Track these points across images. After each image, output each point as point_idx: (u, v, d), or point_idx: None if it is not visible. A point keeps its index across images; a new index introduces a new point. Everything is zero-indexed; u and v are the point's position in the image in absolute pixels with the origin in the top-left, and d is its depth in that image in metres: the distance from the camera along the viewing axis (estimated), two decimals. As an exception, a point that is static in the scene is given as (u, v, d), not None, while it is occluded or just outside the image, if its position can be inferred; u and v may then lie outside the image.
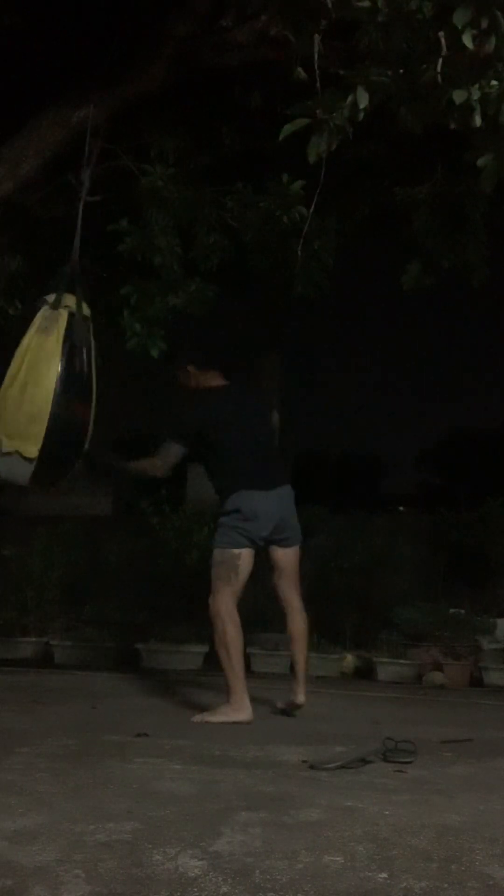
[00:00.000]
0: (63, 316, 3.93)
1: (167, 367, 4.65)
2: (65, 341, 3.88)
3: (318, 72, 3.05)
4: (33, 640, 6.85)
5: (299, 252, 4.63)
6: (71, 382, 3.88)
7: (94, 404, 4.01)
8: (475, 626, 6.72)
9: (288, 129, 2.97)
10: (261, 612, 6.98)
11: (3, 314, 5.33)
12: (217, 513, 4.33)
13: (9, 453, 3.84)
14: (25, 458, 3.83)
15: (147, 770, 2.88)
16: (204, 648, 6.56)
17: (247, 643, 6.70)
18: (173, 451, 4.20)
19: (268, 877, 1.86)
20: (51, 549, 7.19)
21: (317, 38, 3.07)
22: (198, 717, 4.02)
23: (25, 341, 3.90)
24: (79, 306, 3.99)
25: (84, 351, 3.95)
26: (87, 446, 4.02)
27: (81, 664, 6.39)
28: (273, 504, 4.24)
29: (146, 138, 5.11)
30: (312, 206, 4.25)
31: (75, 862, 1.91)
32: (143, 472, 4.39)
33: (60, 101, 4.56)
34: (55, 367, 3.86)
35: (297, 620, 4.38)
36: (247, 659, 6.65)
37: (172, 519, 7.14)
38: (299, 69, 3.21)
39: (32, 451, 3.83)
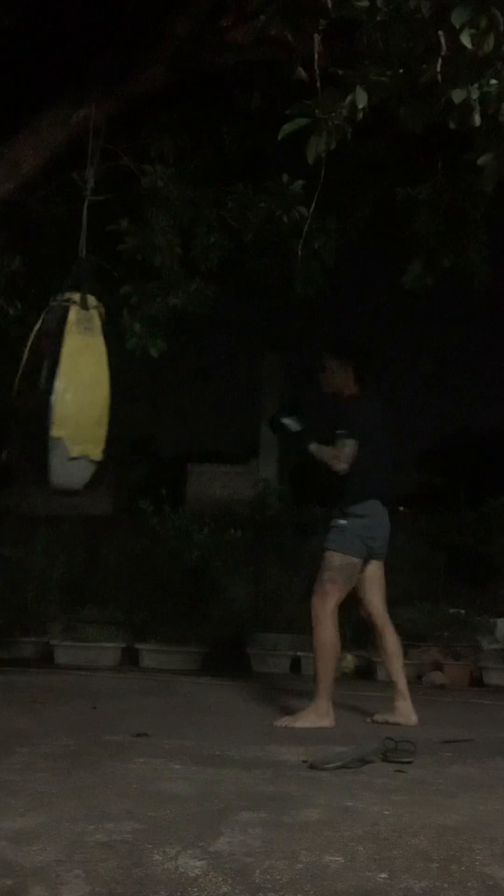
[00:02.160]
0: (96, 315, 3.91)
1: (324, 352, 4.43)
2: (101, 334, 3.87)
3: (317, 72, 3.05)
4: (33, 640, 6.85)
5: (299, 252, 4.63)
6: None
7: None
8: (475, 626, 6.72)
9: (287, 128, 2.97)
10: (261, 612, 6.99)
11: (4, 314, 5.33)
12: (336, 514, 4.23)
13: (76, 458, 3.78)
14: (92, 462, 3.79)
15: (147, 770, 2.88)
16: (204, 648, 6.56)
17: (246, 643, 6.74)
18: (349, 446, 4.12)
19: (268, 877, 1.86)
20: (51, 549, 7.19)
21: (316, 37, 3.07)
22: (282, 722, 3.97)
23: (69, 342, 3.83)
24: (97, 304, 3.95)
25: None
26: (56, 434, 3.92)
27: (81, 664, 6.39)
28: (387, 519, 4.32)
29: (146, 138, 5.11)
30: (312, 206, 4.25)
31: (75, 862, 1.91)
32: (323, 459, 4.20)
33: (60, 101, 4.56)
34: (106, 368, 3.85)
35: (393, 635, 4.37)
36: (246, 659, 6.68)
37: (172, 519, 7.14)
38: (299, 69, 3.21)
39: (98, 453, 3.79)
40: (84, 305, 3.87)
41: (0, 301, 5.30)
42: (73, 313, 3.85)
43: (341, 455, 4.11)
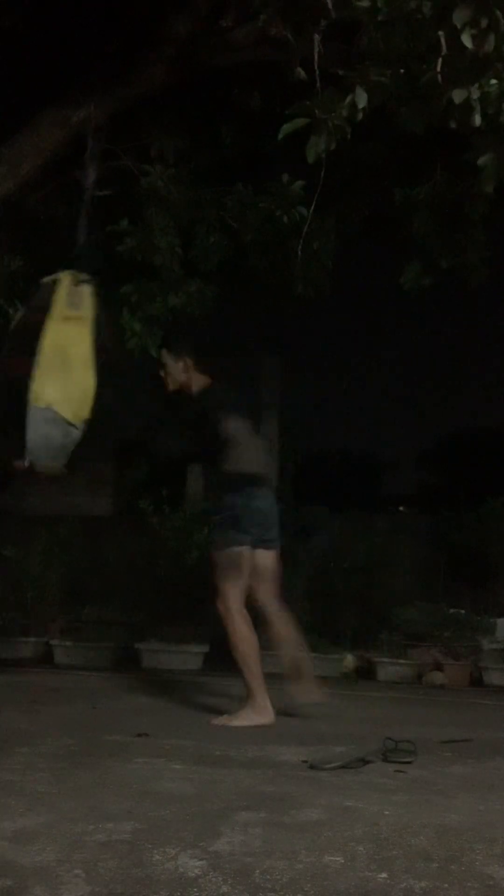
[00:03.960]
0: (86, 291, 3.91)
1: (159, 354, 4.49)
2: (92, 310, 3.89)
3: (317, 72, 3.06)
4: (33, 640, 6.84)
5: (299, 252, 4.63)
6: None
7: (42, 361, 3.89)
8: (475, 626, 6.72)
9: (287, 128, 2.97)
10: (260, 612, 6.99)
11: (4, 314, 5.33)
12: (217, 509, 4.20)
13: (54, 420, 3.80)
14: (70, 426, 3.80)
15: (147, 770, 2.88)
16: (204, 648, 6.56)
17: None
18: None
19: (268, 877, 1.86)
20: (51, 549, 7.18)
21: (317, 38, 3.08)
22: (219, 721, 3.95)
23: (55, 315, 3.84)
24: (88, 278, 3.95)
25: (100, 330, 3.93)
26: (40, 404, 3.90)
27: (81, 664, 6.39)
28: (271, 503, 4.20)
29: (146, 138, 5.11)
30: (312, 206, 4.25)
31: (75, 862, 1.91)
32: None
33: (60, 101, 4.56)
34: (89, 343, 3.87)
35: (284, 621, 4.28)
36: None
37: (172, 519, 7.14)
38: (299, 69, 3.22)
39: (78, 420, 3.81)
40: (75, 281, 3.87)
41: (0, 301, 5.30)
42: (62, 289, 3.86)
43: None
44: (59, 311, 3.86)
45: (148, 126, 5.11)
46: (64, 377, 3.80)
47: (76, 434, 3.81)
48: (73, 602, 7.07)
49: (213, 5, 4.44)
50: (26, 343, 3.84)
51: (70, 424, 3.80)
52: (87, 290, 3.89)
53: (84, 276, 3.90)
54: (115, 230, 5.02)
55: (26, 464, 3.89)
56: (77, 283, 3.89)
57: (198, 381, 4.28)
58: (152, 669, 6.38)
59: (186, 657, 6.56)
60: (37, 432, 3.81)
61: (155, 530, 7.15)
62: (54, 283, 3.91)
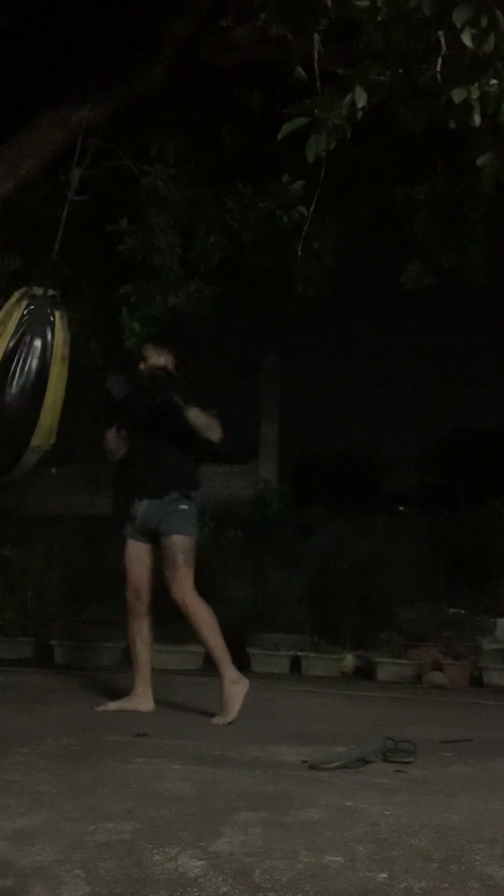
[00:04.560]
0: (19, 307, 3.88)
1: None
2: (15, 332, 3.83)
3: (317, 71, 3.05)
4: (33, 640, 6.84)
5: (299, 252, 4.63)
6: (9, 373, 3.83)
7: (48, 399, 3.87)
8: (475, 626, 6.72)
9: (287, 128, 2.97)
10: (261, 612, 6.99)
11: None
12: (173, 497, 4.15)
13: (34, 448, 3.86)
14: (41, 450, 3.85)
15: (147, 770, 2.87)
16: (204, 648, 6.56)
17: (246, 643, 6.73)
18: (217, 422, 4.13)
19: (268, 877, 1.86)
20: (51, 549, 7.19)
21: (316, 37, 3.07)
22: (217, 720, 3.97)
23: (57, 352, 3.86)
24: (44, 300, 3.91)
25: (35, 343, 3.86)
26: (35, 443, 3.89)
27: (81, 664, 6.39)
28: None
29: (146, 138, 5.11)
30: (312, 206, 4.25)
31: (75, 862, 1.91)
32: (200, 427, 4.06)
33: (60, 101, 4.56)
34: (64, 365, 3.87)
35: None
36: (247, 659, 6.68)
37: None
38: (299, 69, 3.21)
39: (49, 444, 3.84)
40: (20, 299, 3.85)
41: (0, 301, 5.30)
42: (58, 317, 3.83)
43: (217, 425, 4.08)
44: (58, 344, 3.86)
45: (148, 126, 5.11)
46: (54, 412, 3.85)
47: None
48: (73, 602, 7.07)
49: (213, 5, 4.44)
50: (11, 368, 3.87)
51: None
52: (21, 306, 3.83)
53: (40, 291, 3.87)
54: (115, 230, 5.01)
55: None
56: (26, 296, 3.84)
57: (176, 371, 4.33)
58: (152, 669, 6.37)
59: (186, 657, 6.55)
60: (24, 465, 3.92)
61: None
62: (48, 310, 3.87)
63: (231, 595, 7.02)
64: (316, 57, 3.07)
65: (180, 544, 4.11)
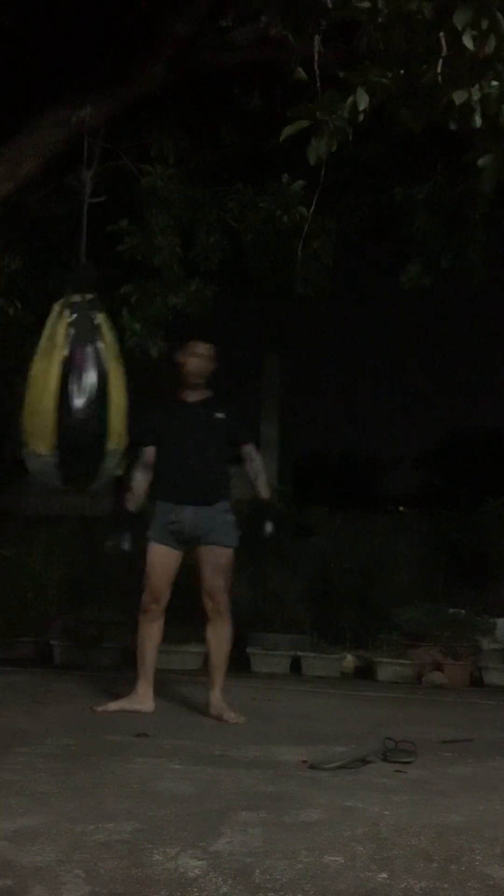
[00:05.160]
0: (62, 319, 3.90)
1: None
2: (65, 345, 3.85)
3: (318, 72, 3.05)
4: (33, 640, 6.84)
5: (299, 252, 4.63)
6: (71, 386, 3.84)
7: (113, 402, 3.92)
8: (475, 626, 6.72)
9: (288, 130, 2.97)
10: (261, 612, 6.99)
11: (4, 314, 5.33)
12: (220, 508, 4.27)
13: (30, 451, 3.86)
14: (38, 455, 3.84)
15: (147, 770, 2.88)
16: (204, 648, 6.55)
17: (247, 643, 6.73)
18: None
19: (268, 877, 1.86)
20: (51, 549, 7.18)
21: (317, 38, 3.07)
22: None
23: (109, 353, 3.86)
24: (84, 306, 3.93)
25: (88, 349, 3.89)
26: (112, 447, 3.93)
27: (81, 664, 6.39)
28: None
29: (146, 138, 5.11)
30: (312, 206, 4.25)
31: (75, 862, 1.91)
32: (261, 470, 4.48)
33: (60, 101, 4.56)
34: (56, 365, 3.85)
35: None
36: (247, 659, 6.68)
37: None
38: (299, 70, 3.21)
39: (42, 448, 3.83)
40: (63, 307, 3.84)
41: (0, 301, 5.31)
42: (102, 319, 3.83)
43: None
44: (40, 347, 3.85)
45: (148, 126, 5.11)
46: (36, 411, 3.80)
47: (51, 460, 3.84)
48: (73, 602, 7.07)
49: (213, 5, 4.44)
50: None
51: (41, 455, 3.83)
52: (65, 317, 3.84)
53: (77, 298, 3.89)
54: (115, 230, 5.01)
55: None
56: (66, 306, 3.84)
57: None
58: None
59: (186, 657, 6.55)
60: (33, 473, 3.88)
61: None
62: (90, 316, 3.89)
63: (231, 595, 7.02)
64: (316, 58, 3.08)
65: (231, 557, 4.25)
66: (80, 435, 3.78)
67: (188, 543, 4.24)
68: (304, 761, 3.07)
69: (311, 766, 3.00)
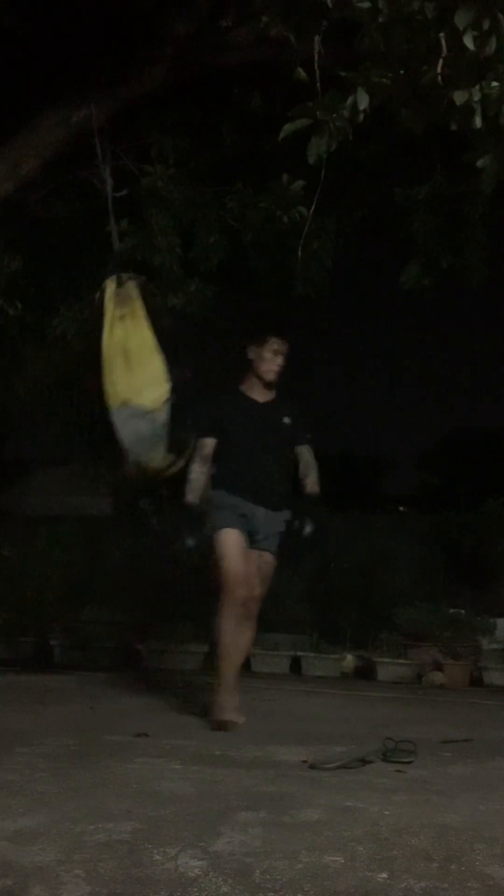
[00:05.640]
0: (133, 286, 4.04)
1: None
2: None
3: (318, 73, 3.05)
4: (33, 640, 6.85)
5: (299, 252, 4.63)
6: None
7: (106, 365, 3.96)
8: (475, 626, 6.73)
9: (288, 129, 2.97)
10: (261, 612, 7.00)
11: (4, 314, 5.33)
12: (278, 517, 4.20)
13: (136, 415, 3.88)
14: (152, 414, 3.87)
15: (147, 770, 2.88)
16: (204, 648, 6.56)
17: (247, 643, 6.74)
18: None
19: (268, 877, 1.86)
20: (51, 549, 7.20)
21: (317, 38, 3.07)
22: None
23: (107, 316, 3.97)
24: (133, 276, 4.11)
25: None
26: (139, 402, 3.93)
27: (81, 664, 6.39)
28: None
29: (146, 138, 5.11)
30: (312, 206, 4.25)
31: (75, 862, 1.91)
32: (313, 467, 4.38)
33: (60, 101, 4.57)
34: (147, 327, 4.00)
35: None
36: (246, 659, 6.69)
37: (173, 519, 7.15)
38: (299, 70, 3.21)
39: (156, 403, 3.87)
40: (119, 283, 4.00)
41: (0, 301, 5.31)
42: (108, 294, 3.98)
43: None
44: (110, 315, 3.97)
45: (148, 126, 5.11)
46: (128, 371, 3.90)
47: (161, 416, 3.86)
48: (73, 602, 7.07)
49: (213, 5, 4.44)
50: (92, 364, 3.94)
51: (150, 411, 3.85)
52: (132, 286, 4.02)
53: (126, 276, 4.03)
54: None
55: (133, 468, 3.95)
56: (122, 283, 4.01)
57: None
58: (152, 669, 6.38)
59: (186, 657, 6.56)
60: (125, 432, 3.88)
61: (155, 530, 7.16)
62: (101, 293, 4.02)
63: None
64: (316, 58, 3.07)
65: (275, 566, 4.21)
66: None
67: (249, 541, 4.12)
68: (304, 761, 3.07)
69: (311, 766, 3.00)
